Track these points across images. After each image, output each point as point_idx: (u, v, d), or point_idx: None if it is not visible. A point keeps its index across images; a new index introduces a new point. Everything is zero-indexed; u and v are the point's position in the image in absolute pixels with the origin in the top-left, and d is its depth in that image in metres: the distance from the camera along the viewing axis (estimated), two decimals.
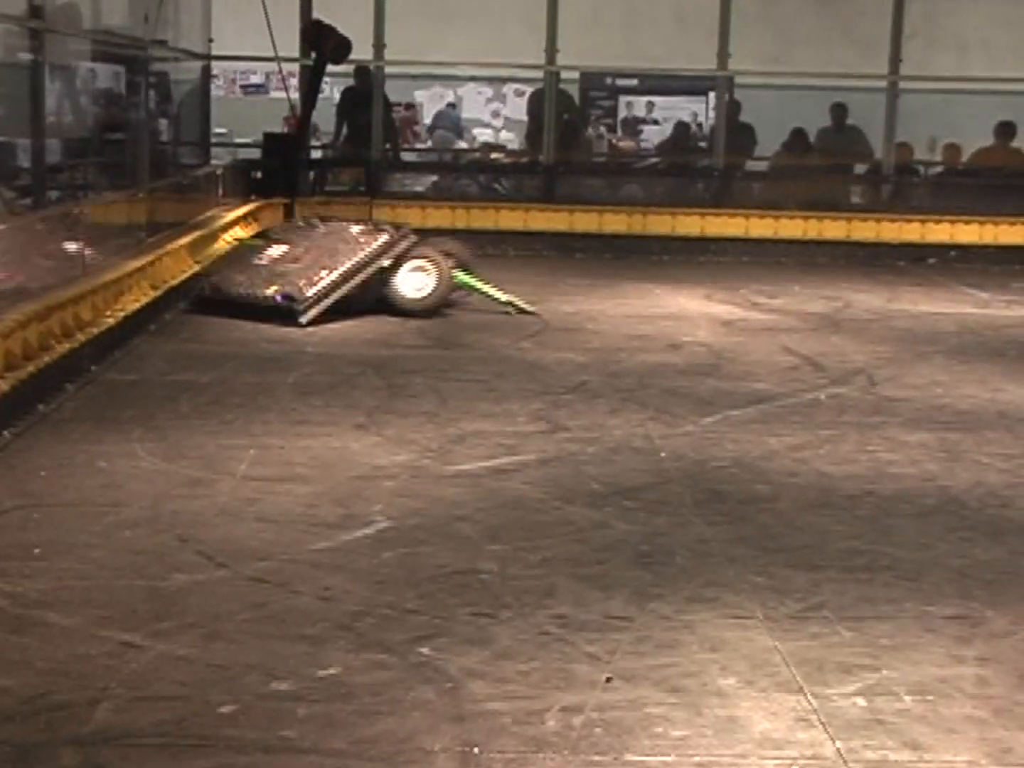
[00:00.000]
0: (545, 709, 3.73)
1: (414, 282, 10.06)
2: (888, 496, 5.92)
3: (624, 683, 3.91)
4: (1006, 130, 15.69)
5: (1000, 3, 16.34)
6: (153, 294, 9.47)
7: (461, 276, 10.41)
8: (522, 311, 10.31)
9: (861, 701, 3.85)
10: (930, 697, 3.89)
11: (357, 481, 5.88)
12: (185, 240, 10.98)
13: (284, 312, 9.29)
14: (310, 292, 9.15)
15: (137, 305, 9.01)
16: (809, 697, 3.86)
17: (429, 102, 19.46)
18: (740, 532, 5.37)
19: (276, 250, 9.95)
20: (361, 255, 9.64)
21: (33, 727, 3.57)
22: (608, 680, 3.92)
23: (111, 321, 8.40)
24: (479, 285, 10.49)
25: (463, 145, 18.52)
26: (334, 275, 9.32)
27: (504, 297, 10.38)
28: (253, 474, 5.94)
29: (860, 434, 6.99)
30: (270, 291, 9.20)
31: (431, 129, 18.56)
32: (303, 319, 9.08)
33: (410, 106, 18.94)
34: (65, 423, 6.74)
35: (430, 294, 10.08)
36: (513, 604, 4.50)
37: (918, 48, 15.36)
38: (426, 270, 10.11)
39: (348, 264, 9.53)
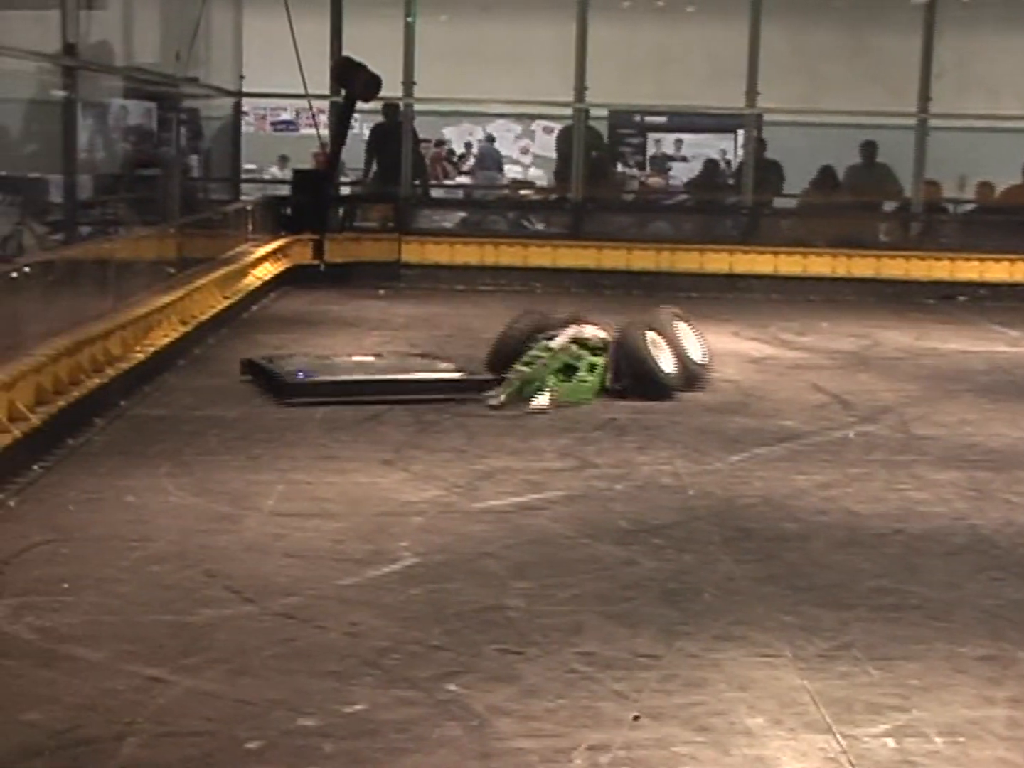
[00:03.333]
0: (572, 747, 3.72)
1: None
2: (917, 535, 5.88)
3: (651, 721, 3.89)
4: None
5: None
6: (182, 329, 9.52)
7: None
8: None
9: (891, 742, 3.82)
10: (961, 739, 3.85)
11: (384, 517, 5.88)
12: (215, 276, 11.05)
13: (276, 388, 8.25)
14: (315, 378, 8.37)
15: (166, 340, 9.06)
16: (838, 737, 3.83)
17: (457, 138, 19.58)
18: (768, 570, 5.34)
19: (366, 358, 9.12)
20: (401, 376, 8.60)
21: (60, 762, 3.57)
22: (635, 718, 3.90)
23: (140, 356, 8.44)
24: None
25: (505, 181, 18.58)
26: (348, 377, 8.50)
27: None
28: (280, 509, 5.94)
29: (889, 472, 6.95)
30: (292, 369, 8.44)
31: (476, 167, 18.64)
32: (288, 399, 8.06)
33: (441, 143, 19.02)
34: (94, 458, 6.77)
35: None
36: (540, 641, 4.48)
37: (949, 88, 15.37)
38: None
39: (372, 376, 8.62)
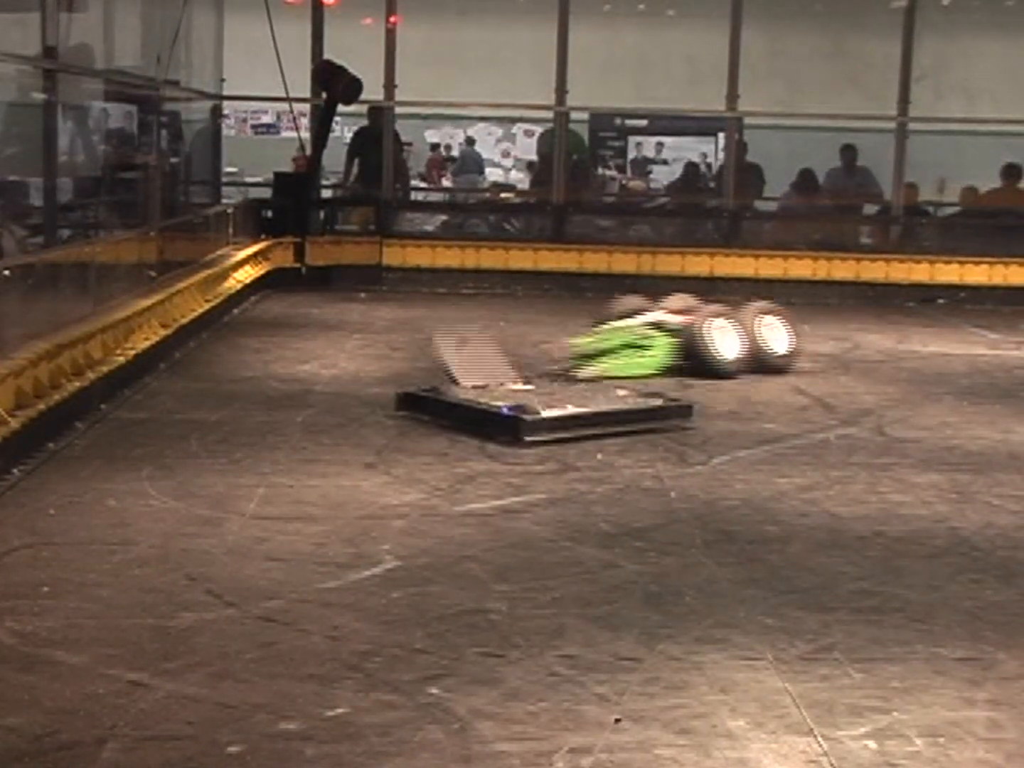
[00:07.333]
0: (554, 750, 3.72)
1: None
2: (898, 537, 5.90)
3: (633, 724, 3.89)
4: (1013, 172, 15.74)
5: (1006, 49, 16.45)
6: (163, 332, 9.50)
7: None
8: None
9: (872, 744, 3.83)
10: (941, 740, 3.86)
11: (366, 520, 5.87)
12: (195, 279, 11.03)
13: (505, 426, 7.53)
14: (546, 413, 7.58)
15: (147, 343, 9.04)
16: (819, 739, 3.84)
17: (438, 142, 19.60)
18: (750, 573, 5.35)
19: (520, 387, 8.36)
20: (620, 406, 7.99)
21: (40, 767, 3.56)
22: (617, 721, 3.90)
23: (121, 359, 8.42)
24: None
25: (486, 184, 18.62)
26: (581, 410, 7.78)
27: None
28: (262, 513, 5.93)
29: (870, 475, 6.97)
30: (498, 403, 7.72)
31: (456, 172, 18.67)
32: (528, 437, 7.40)
33: (437, 147, 19.04)
34: (75, 461, 6.75)
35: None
36: (522, 644, 4.49)
37: (928, 92, 15.43)
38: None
39: (602, 408, 7.91)
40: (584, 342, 9.45)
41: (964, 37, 16.47)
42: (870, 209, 16.52)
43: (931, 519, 6.20)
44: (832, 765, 3.69)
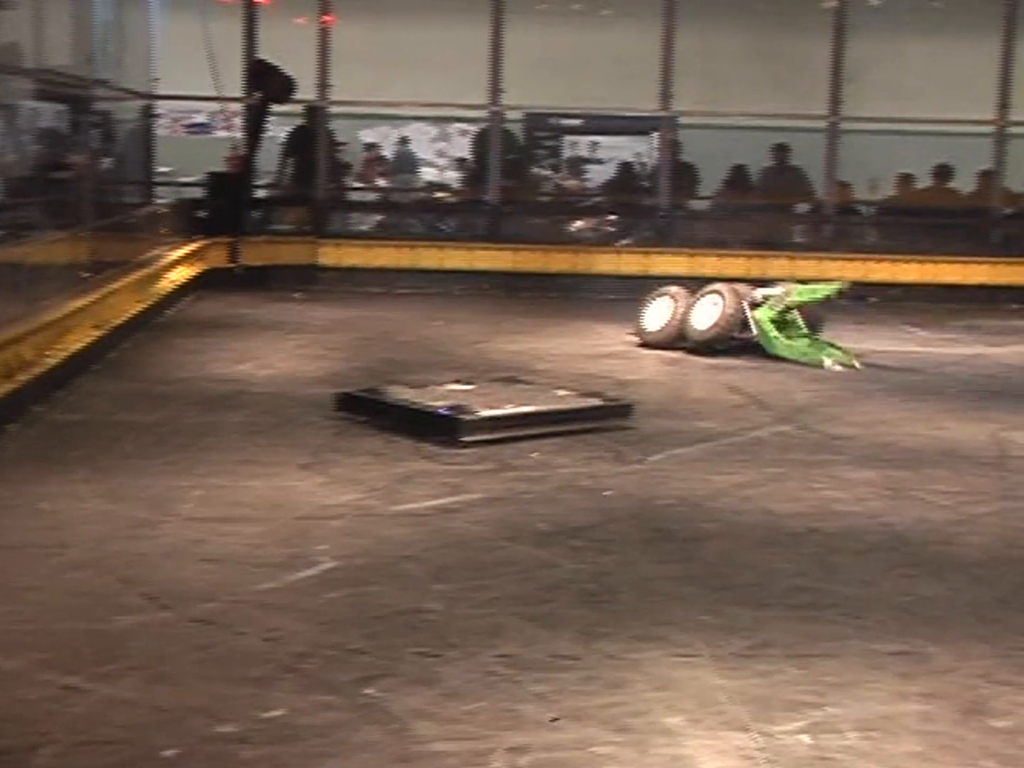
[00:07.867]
0: (491, 749, 3.72)
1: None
2: (832, 534, 5.95)
3: (571, 723, 3.91)
4: (943, 172, 15.92)
5: (936, 50, 16.62)
6: (96, 334, 9.42)
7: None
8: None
9: (807, 739, 3.87)
10: (875, 734, 3.90)
11: (303, 521, 5.85)
12: (129, 279, 10.95)
13: (442, 426, 7.42)
14: (483, 413, 7.50)
15: (80, 345, 8.96)
16: (755, 735, 3.87)
17: (376, 141, 19.53)
18: (686, 570, 5.38)
19: (459, 387, 8.23)
20: (559, 406, 7.90)
21: None
22: (554, 720, 3.91)
23: (54, 361, 8.34)
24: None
25: (420, 183, 18.62)
26: (519, 410, 7.69)
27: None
28: (198, 515, 5.90)
29: (804, 472, 7.03)
30: (436, 403, 7.62)
31: (393, 172, 18.65)
32: (466, 437, 7.32)
33: (372, 146, 19.00)
34: (7, 464, 6.68)
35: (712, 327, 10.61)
36: (459, 644, 4.49)
37: (858, 92, 15.56)
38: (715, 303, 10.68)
39: (540, 408, 7.79)
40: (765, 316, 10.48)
41: (895, 38, 16.61)
42: (803, 208, 16.64)
43: (865, 515, 6.26)
44: (768, 760, 3.72)
